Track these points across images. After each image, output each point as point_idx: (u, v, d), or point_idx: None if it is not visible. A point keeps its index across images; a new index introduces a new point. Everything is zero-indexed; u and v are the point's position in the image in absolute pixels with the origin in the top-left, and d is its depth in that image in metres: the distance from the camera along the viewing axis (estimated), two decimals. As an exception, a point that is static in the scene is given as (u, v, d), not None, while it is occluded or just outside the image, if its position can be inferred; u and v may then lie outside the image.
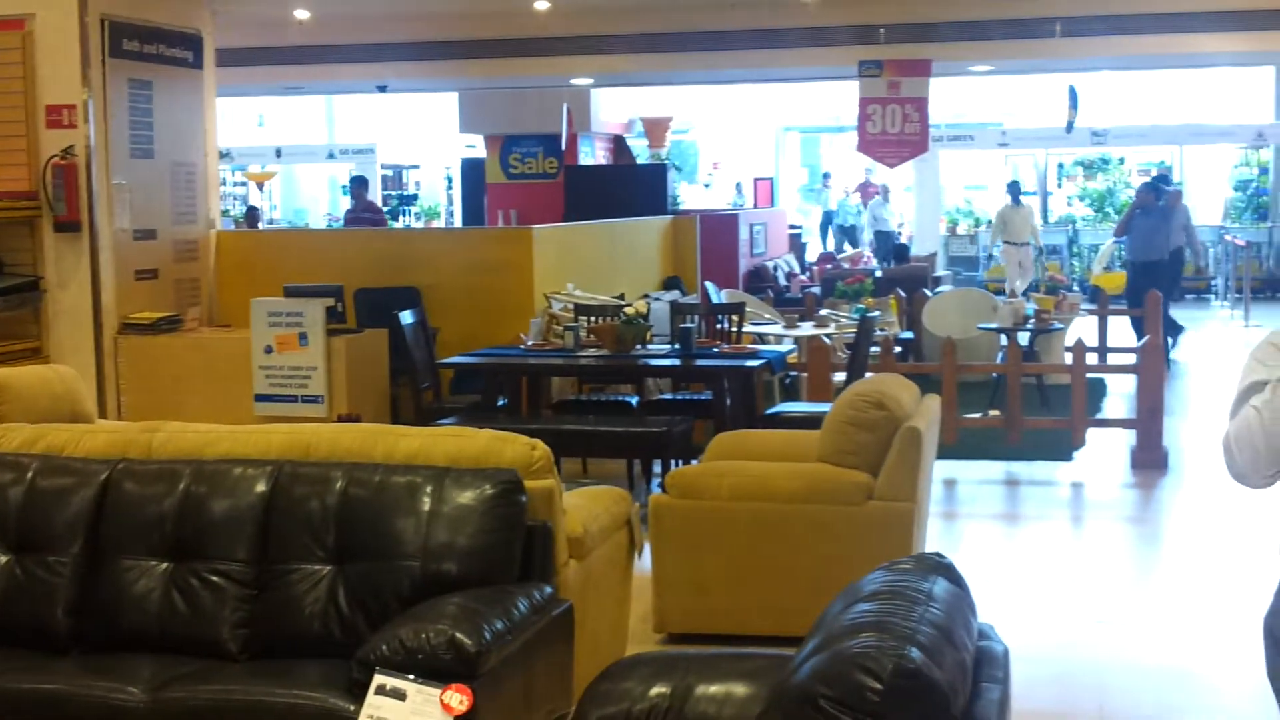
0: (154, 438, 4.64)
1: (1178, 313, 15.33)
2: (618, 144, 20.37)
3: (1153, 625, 6.26)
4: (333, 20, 16.39)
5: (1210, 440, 9.83)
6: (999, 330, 11.88)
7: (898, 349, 11.18)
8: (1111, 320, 13.57)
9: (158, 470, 4.43)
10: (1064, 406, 10.12)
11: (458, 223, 23.63)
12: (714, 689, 3.03)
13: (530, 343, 9.03)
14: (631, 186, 16.47)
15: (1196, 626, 6.23)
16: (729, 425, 7.65)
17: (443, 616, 3.77)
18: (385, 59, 17.58)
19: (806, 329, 11.10)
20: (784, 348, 9.78)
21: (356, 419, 7.93)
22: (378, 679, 3.56)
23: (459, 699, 3.47)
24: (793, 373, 10.28)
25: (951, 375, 9.73)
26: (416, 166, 27.14)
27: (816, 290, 14.79)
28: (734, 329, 9.85)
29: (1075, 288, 19.08)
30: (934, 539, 7.03)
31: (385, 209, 22.00)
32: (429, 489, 4.21)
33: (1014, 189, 19.54)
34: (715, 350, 8.80)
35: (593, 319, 9.24)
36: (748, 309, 10.94)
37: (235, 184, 25.25)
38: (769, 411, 8.53)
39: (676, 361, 8.53)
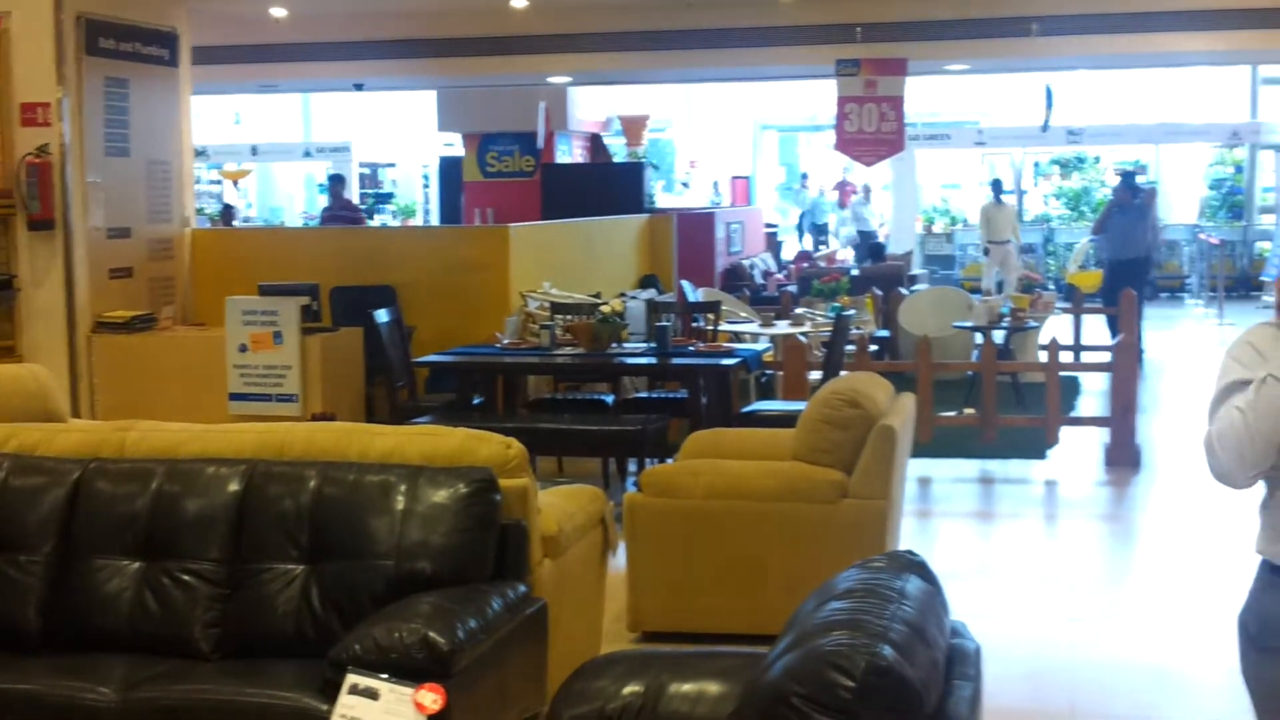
0: (126, 437, 4.62)
1: (1151, 311, 15.38)
2: (595, 142, 20.33)
3: (1125, 622, 6.29)
4: (309, 18, 16.37)
5: (1183, 438, 9.88)
6: (974, 329, 11.92)
7: (873, 347, 11.20)
8: (1086, 319, 13.62)
9: (130, 469, 4.41)
10: (1039, 405, 10.16)
11: (434, 221, 23.58)
12: (687, 687, 3.03)
13: (506, 341, 9.02)
14: (608, 185, 16.46)
15: (1169, 623, 6.26)
16: (704, 424, 7.66)
17: (416, 615, 3.77)
18: (362, 57, 17.53)
19: (782, 327, 11.10)
20: (760, 346, 9.80)
21: (331, 418, 7.91)
22: (350, 678, 3.55)
23: (432, 698, 3.47)
24: (768, 371, 10.30)
25: (927, 373, 9.75)
26: (393, 165, 27.07)
27: (793, 289, 14.80)
28: (710, 327, 9.86)
29: (1050, 286, 19.11)
30: (908, 537, 7.05)
31: (362, 207, 21.92)
32: (403, 488, 4.20)
33: (996, 186, 19.52)
34: (691, 349, 8.80)
35: (569, 317, 9.24)
36: (724, 307, 10.96)
37: (210, 182, 25.15)
38: (744, 410, 8.54)
39: (652, 360, 8.54)
